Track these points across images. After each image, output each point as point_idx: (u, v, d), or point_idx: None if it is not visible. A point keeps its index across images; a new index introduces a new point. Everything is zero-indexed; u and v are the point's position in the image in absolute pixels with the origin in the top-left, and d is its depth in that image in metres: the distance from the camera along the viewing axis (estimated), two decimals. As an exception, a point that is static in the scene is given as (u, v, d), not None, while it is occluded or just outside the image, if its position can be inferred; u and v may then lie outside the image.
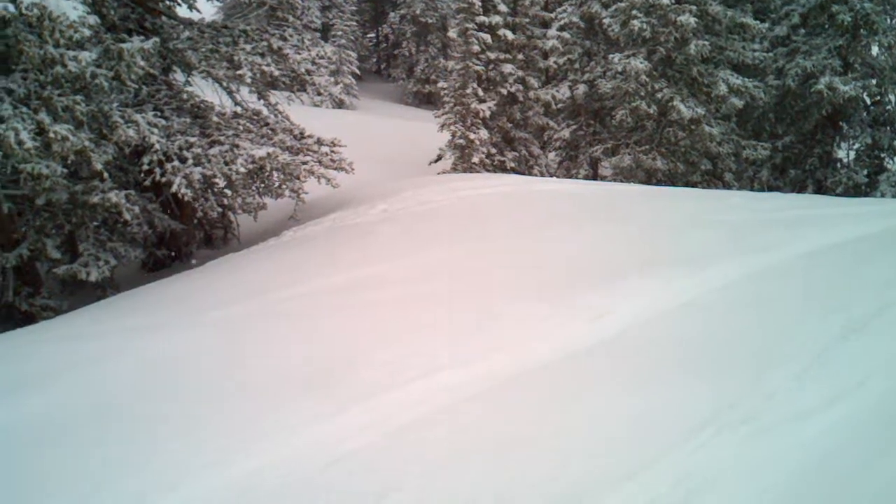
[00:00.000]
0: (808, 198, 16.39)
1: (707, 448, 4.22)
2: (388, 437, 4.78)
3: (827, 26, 22.29)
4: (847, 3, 20.95)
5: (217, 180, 13.67)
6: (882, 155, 23.24)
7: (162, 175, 12.92)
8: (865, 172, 22.71)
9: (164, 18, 14.82)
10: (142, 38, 12.32)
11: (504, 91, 24.46)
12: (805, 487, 3.84)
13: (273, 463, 4.64)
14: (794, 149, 23.59)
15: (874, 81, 22.25)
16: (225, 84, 15.25)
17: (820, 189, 22.90)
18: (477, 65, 23.43)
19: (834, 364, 5.15)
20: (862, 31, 21.39)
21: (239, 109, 15.79)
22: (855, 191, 22.06)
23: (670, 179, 21.56)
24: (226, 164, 13.45)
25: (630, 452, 4.27)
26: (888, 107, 23.01)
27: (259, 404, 5.44)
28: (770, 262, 7.99)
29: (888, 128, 23.07)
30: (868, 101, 23.28)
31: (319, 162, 15.41)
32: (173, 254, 16.17)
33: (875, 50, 22.28)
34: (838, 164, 23.80)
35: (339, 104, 39.98)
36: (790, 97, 23.13)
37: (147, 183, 13.46)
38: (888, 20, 21.82)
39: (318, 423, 5.04)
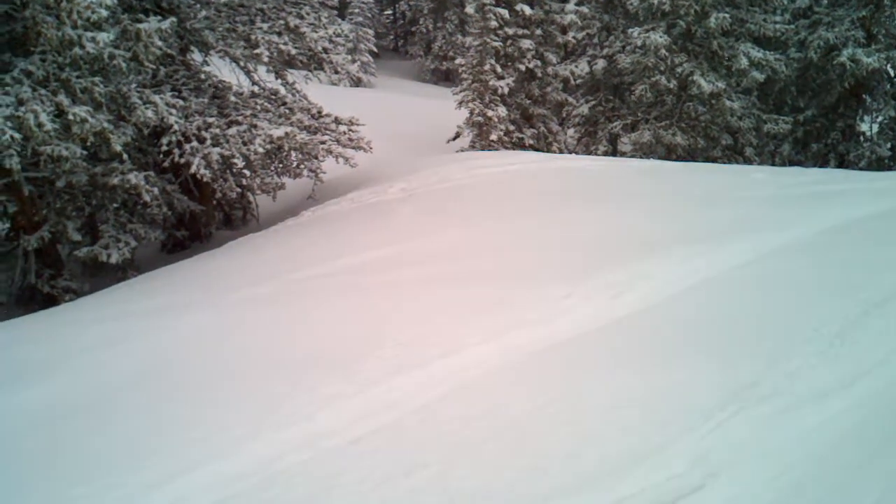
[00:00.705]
0: (830, 172, 16.27)
1: (725, 428, 4.21)
2: (412, 415, 4.82)
3: (850, -4, 22.05)
4: (871, -27, 20.72)
5: (235, 160, 13.71)
6: (906, 127, 23.02)
7: (181, 156, 12.97)
8: (889, 146, 22.48)
9: (181, -2, 14.83)
10: (159, 17, 12.31)
11: (522, 67, 24.28)
12: (826, 467, 3.83)
13: (302, 437, 4.70)
14: (817, 122, 23.36)
15: (898, 53, 22.01)
16: (242, 63, 15.24)
17: (842, 163, 22.69)
18: (495, 41, 23.25)
19: (854, 343, 5.13)
20: (886, 1, 21.10)
21: (256, 89, 15.77)
22: (878, 164, 21.86)
23: (690, 155, 21.41)
24: (244, 144, 13.48)
25: (648, 433, 4.28)
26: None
27: (284, 382, 5.50)
28: (791, 239, 7.95)
29: (912, 100, 22.84)
30: (892, 73, 23.02)
31: (337, 141, 15.40)
32: (192, 235, 16.23)
33: (899, 20, 22.02)
34: (861, 138, 23.55)
35: (357, 82, 39.89)
36: (812, 70, 22.89)
37: (166, 164, 13.50)
38: (913, -10, 21.52)
39: (342, 401, 5.10)
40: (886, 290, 5.97)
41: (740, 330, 5.59)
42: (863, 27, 21.35)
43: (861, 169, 21.14)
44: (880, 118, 23.47)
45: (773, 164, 22.68)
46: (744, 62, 20.49)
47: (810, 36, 22.11)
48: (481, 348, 5.72)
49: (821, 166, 22.34)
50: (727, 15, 20.26)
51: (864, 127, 23.94)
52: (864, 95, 22.89)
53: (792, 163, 23.14)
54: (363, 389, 5.22)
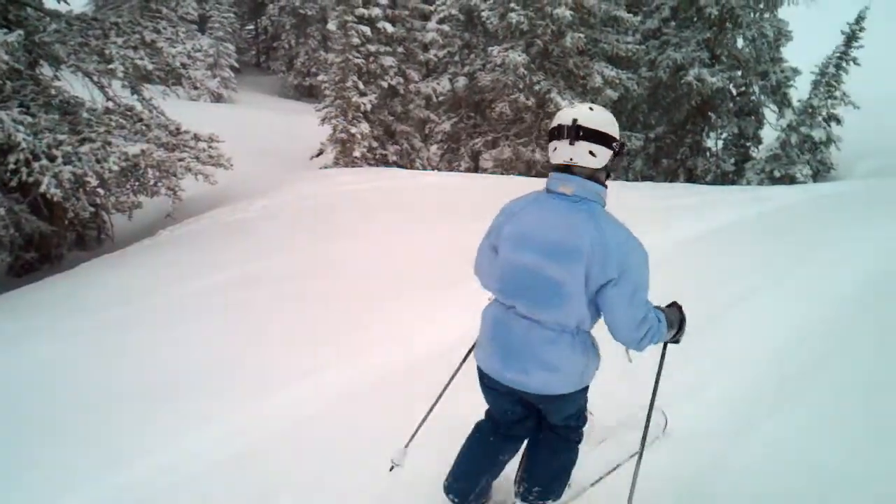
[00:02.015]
0: (678, 187, 17.02)
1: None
2: (273, 439, 4.76)
3: (695, 19, 23.15)
4: (714, -3, 21.82)
5: (89, 179, 13.19)
6: (747, 144, 24.29)
7: (29, 175, 12.38)
8: (733, 161, 23.69)
9: (29, 10, 14.20)
10: (5, 30, 11.80)
11: (385, 84, 24.46)
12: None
13: (166, 463, 4.57)
14: (667, 139, 24.41)
15: (739, 73, 23.24)
16: (96, 79, 14.74)
17: (691, 178, 23.78)
18: (357, 57, 23.34)
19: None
20: (728, 24, 22.28)
21: (111, 105, 15.26)
22: (723, 178, 23.00)
23: (548, 171, 21.94)
24: (98, 161, 13.01)
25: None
26: (752, 97, 24.05)
27: (141, 410, 5.33)
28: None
29: (752, 117, 24.11)
30: (734, 92, 24.26)
31: (197, 158, 15.08)
32: (43, 257, 15.52)
33: (740, 42, 23.21)
34: (708, 153, 24.72)
35: (218, 98, 39.14)
36: (662, 89, 23.93)
37: (13, 183, 12.88)
38: (752, 14, 22.74)
39: (203, 425, 4.99)
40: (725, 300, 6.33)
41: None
42: (707, 48, 22.47)
43: (707, 183, 22.21)
44: (724, 135, 24.73)
45: (627, 179, 23.54)
46: (598, 80, 21.26)
47: (660, 56, 23.12)
48: (341, 369, 5.71)
49: (671, 181, 23.35)
50: (582, 35, 21.00)
51: (709, 143, 25.13)
52: (709, 113, 24.04)
53: (644, 178, 24.09)
54: (223, 413, 5.13)
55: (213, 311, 7.67)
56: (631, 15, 22.59)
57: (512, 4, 21.13)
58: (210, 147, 15.59)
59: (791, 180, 20.94)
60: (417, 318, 6.66)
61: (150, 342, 6.88)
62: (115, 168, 13.12)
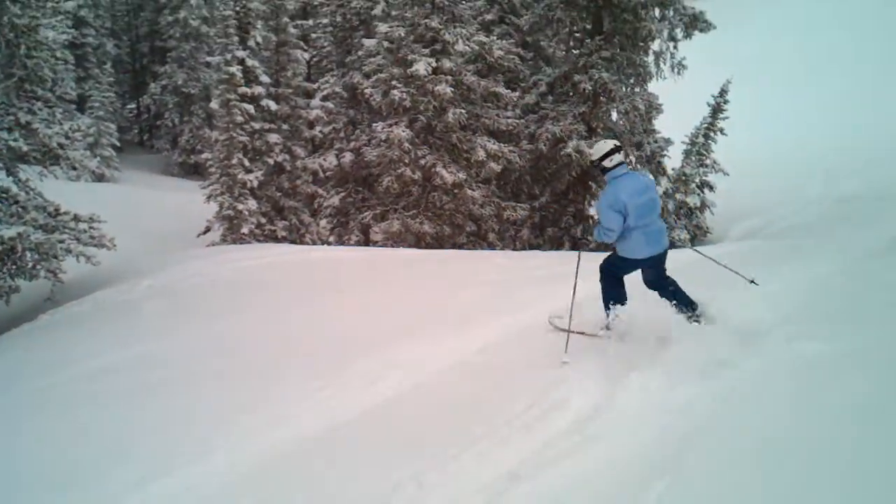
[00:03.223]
0: (564, 255, 17.47)
1: None
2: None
3: (571, 94, 24.00)
4: (587, 73, 22.69)
5: (-39, 264, 12.76)
6: (628, 211, 25.15)
7: None
8: (614, 228, 24.44)
9: None
10: None
11: (271, 161, 24.47)
12: None
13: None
14: (551, 208, 25.00)
15: (616, 144, 24.16)
16: (-32, 161, 14.34)
17: (575, 245, 24.35)
18: (241, 135, 23.31)
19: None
20: (602, 98, 23.20)
21: (-15, 187, 14.84)
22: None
23: (438, 242, 22.23)
24: (-29, 245, 12.60)
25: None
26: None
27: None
28: (524, 322, 8.52)
29: (630, 186, 25.04)
30: (611, 163, 25.15)
31: (77, 239, 14.75)
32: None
33: (614, 115, 24.16)
34: (590, 221, 25.42)
35: (100, 178, 38.25)
36: (543, 160, 24.57)
37: None
38: (624, 88, 23.75)
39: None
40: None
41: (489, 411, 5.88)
42: (584, 121, 23.29)
43: (591, 250, 22.81)
44: (604, 203, 25.51)
45: (515, 248, 23.97)
46: (481, 154, 21.74)
47: (539, 129, 23.79)
48: (235, 450, 5.61)
49: (557, 248, 23.90)
50: (463, 111, 21.51)
51: (591, 211, 25.82)
52: (589, 182, 24.80)
53: (531, 246, 24.56)
54: (112, 502, 4.96)
55: (97, 397, 7.45)
56: (509, 91, 23.30)
57: (394, 82, 21.53)
58: (91, 227, 15.27)
59: (671, 244, 21.78)
60: (303, 398, 6.59)
61: (26, 434, 6.62)
62: (-10, 251, 12.72)
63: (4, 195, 14.95)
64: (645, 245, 7.00)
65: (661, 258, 7.17)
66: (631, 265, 7.23)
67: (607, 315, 7.29)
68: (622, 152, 6.94)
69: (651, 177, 6.35)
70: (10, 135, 13.70)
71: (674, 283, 7.25)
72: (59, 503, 5.05)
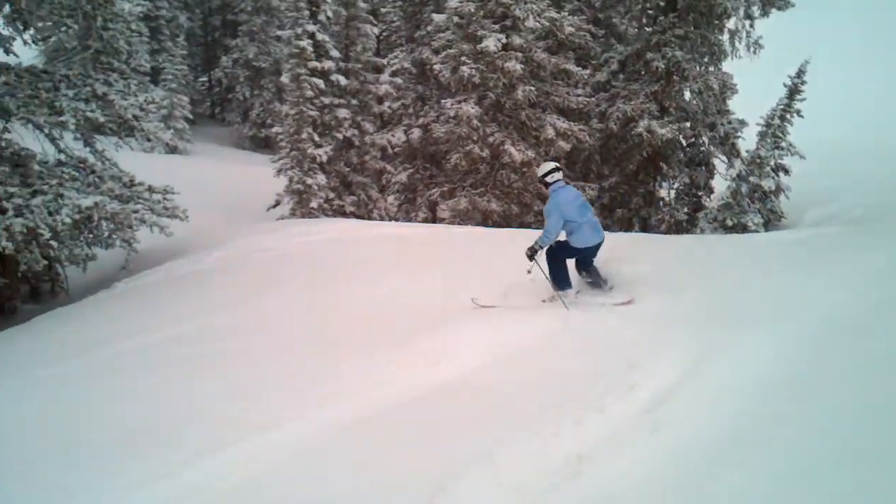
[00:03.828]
0: (633, 237, 17.23)
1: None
2: (230, 495, 4.70)
3: (643, 73, 23.61)
4: (660, 51, 22.29)
5: (41, 231, 13.05)
6: (699, 193, 24.67)
7: (-21, 228, 12.25)
8: (685, 210, 24.04)
9: (-22, 64, 14.15)
10: (-46, 84, 11.73)
11: (340, 136, 24.56)
12: None
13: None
14: (620, 189, 24.69)
15: (688, 125, 23.70)
16: (47, 131, 14.65)
17: (645, 227, 24.05)
18: (311, 110, 23.43)
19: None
20: (674, 77, 22.77)
21: (63, 157, 15.17)
22: (677, 227, 23.30)
23: (505, 220, 22.14)
24: (50, 214, 12.90)
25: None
26: (702, 148, 24.50)
27: (88, 470, 5.23)
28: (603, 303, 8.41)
29: (703, 168, 24.55)
30: (684, 143, 24.70)
31: (151, 210, 15.00)
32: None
33: (687, 95, 23.69)
34: (661, 203, 25.05)
35: (172, 150, 38.96)
36: (613, 140, 24.27)
37: (-37, 236, 12.69)
38: (697, 67, 23.27)
39: (150, 485, 4.90)
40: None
41: (553, 395, 5.81)
42: (656, 100, 22.89)
43: (661, 232, 22.50)
44: (676, 184, 25.08)
45: (582, 228, 23.69)
46: (551, 132, 21.54)
47: (610, 108, 23.48)
48: (298, 422, 5.65)
49: (626, 230, 23.61)
50: (533, 88, 21.32)
51: (662, 193, 25.47)
52: (661, 163, 24.41)
53: (600, 227, 24.30)
54: (178, 469, 5.06)
55: (172, 363, 7.60)
56: (580, 68, 23.01)
57: (463, 58, 21.40)
58: (165, 199, 15.52)
59: (743, 229, 21.30)
60: (367, 374, 6.61)
61: (106, 396, 6.79)
62: (68, 220, 13.02)
63: (82, 165, 15.28)
64: (592, 235, 8.64)
65: (600, 245, 8.82)
66: (576, 252, 8.80)
67: (555, 291, 8.69)
68: (560, 171, 8.92)
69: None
70: (87, 105, 13.94)
71: (593, 264, 9.02)
72: (137, 466, 5.16)
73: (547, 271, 8.74)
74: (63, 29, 15.30)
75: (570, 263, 8.93)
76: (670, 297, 8.06)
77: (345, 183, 25.60)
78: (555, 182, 8.77)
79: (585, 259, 8.92)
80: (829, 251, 9.40)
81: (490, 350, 6.92)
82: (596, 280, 8.90)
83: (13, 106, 13.66)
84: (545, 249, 8.71)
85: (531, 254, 8.50)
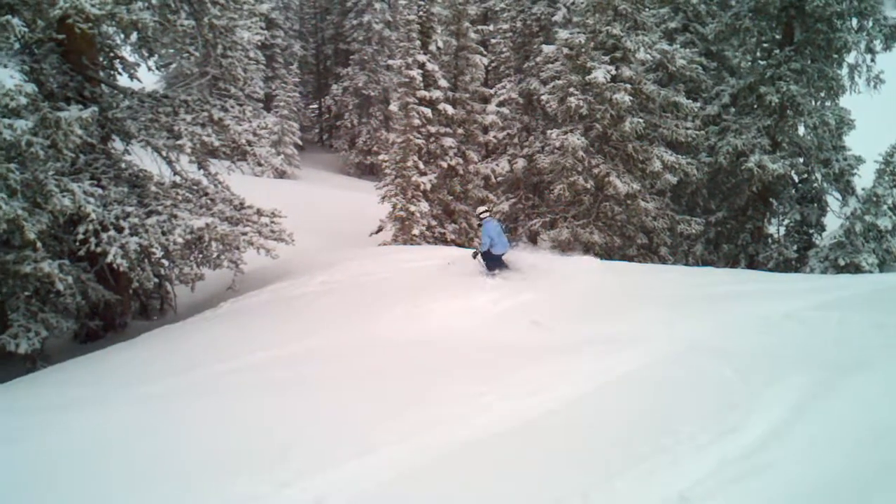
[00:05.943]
0: (739, 273, 16.78)
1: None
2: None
3: (756, 106, 23.09)
4: (774, 85, 21.77)
5: (154, 250, 13.49)
6: (810, 231, 23.92)
7: (97, 245, 12.71)
8: (795, 248, 23.33)
9: (103, 87, 14.77)
10: (80, 106, 12.26)
11: (444, 164, 24.78)
12: None
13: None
14: (727, 224, 24.15)
15: (801, 160, 23.03)
16: (164, 153, 15.17)
17: (752, 264, 23.41)
18: (418, 138, 23.73)
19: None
20: (788, 111, 22.18)
21: (178, 179, 15.67)
22: (786, 266, 22.61)
23: (607, 252, 21.86)
24: (163, 233, 13.33)
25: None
26: (814, 185, 23.78)
27: (194, 487, 5.31)
28: (695, 339, 8.20)
29: (815, 205, 23.80)
30: (796, 179, 24.02)
31: (259, 232, 15.33)
32: (107, 325, 15.81)
33: (801, 130, 23.05)
34: (769, 240, 24.38)
35: (281, 174, 39.97)
36: (722, 174, 23.79)
37: (82, 252, 13.20)
38: (813, 102, 22.64)
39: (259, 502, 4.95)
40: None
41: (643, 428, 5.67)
42: (768, 135, 22.35)
43: (769, 270, 21.86)
44: (786, 221, 24.37)
45: (687, 264, 23.25)
46: (657, 165, 21.23)
47: (720, 142, 23.04)
48: (396, 448, 5.65)
49: (732, 266, 23.04)
50: (641, 120, 21.04)
51: (771, 229, 24.79)
52: (770, 199, 23.79)
53: (705, 262, 23.78)
54: (279, 490, 5.10)
55: (273, 385, 7.69)
56: (690, 101, 22.63)
57: (571, 89, 21.33)
58: (272, 222, 15.85)
59: (856, 269, 20.54)
60: (464, 402, 6.56)
61: (206, 416, 6.91)
62: (180, 240, 13.42)
63: (195, 187, 15.75)
64: (501, 248, 13.08)
65: (504, 253, 13.24)
66: (495, 257, 13.08)
67: (486, 275, 12.98)
68: (489, 212, 13.73)
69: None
70: (203, 130, 14.38)
71: (505, 265, 13.39)
72: (242, 486, 5.22)
73: (483, 265, 13.18)
74: (184, 56, 15.84)
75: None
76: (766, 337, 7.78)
77: (447, 210, 25.77)
78: (485, 218, 13.24)
79: (499, 259, 13.18)
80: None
81: (587, 381, 6.82)
82: (504, 271, 13.14)
83: (134, 129, 14.22)
84: (482, 253, 13.07)
85: (475, 255, 13.40)
